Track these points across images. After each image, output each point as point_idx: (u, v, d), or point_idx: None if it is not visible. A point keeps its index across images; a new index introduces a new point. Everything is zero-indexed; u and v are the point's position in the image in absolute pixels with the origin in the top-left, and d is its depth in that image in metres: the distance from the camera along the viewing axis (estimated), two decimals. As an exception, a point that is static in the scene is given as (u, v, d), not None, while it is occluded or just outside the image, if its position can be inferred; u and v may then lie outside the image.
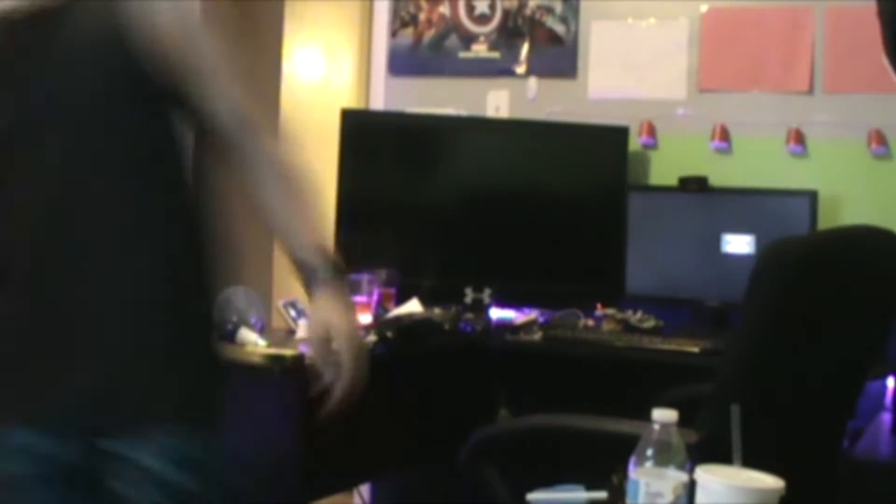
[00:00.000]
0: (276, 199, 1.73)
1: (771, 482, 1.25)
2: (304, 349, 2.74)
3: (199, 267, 1.70)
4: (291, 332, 3.01)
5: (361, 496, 3.55)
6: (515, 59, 3.78)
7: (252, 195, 1.74)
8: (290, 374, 2.54)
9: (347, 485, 3.35)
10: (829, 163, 3.30)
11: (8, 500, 1.59)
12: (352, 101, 5.31)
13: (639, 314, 3.23)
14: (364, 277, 3.10)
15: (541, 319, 3.35)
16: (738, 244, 3.16)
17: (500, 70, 3.81)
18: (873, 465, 2.30)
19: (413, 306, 3.09)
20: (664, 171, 3.50)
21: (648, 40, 3.58)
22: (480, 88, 3.82)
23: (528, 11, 3.77)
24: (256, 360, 2.56)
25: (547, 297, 3.44)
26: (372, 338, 2.83)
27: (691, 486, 1.26)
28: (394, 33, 3.97)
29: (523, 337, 3.24)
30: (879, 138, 3.24)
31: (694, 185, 3.32)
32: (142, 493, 1.56)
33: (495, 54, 3.82)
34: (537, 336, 3.23)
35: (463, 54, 3.87)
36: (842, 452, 2.00)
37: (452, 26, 3.88)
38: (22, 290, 1.58)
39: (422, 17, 3.93)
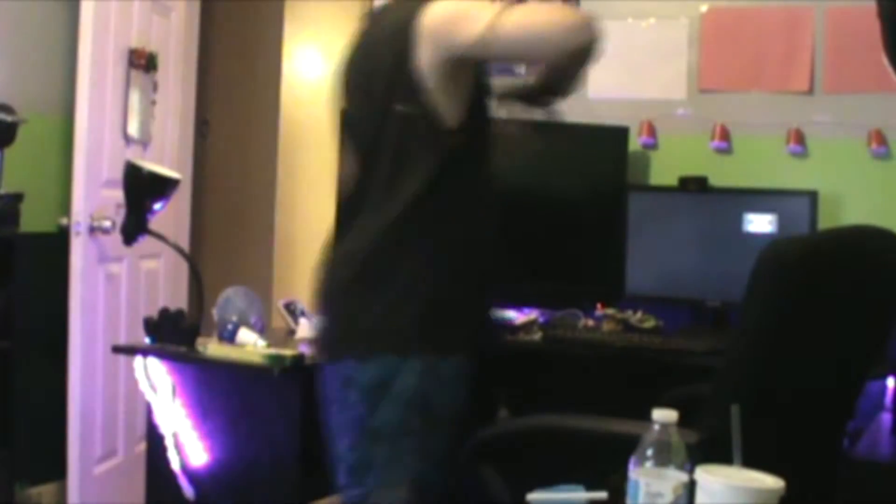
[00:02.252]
0: None
1: (771, 482, 1.25)
2: (303, 349, 2.74)
3: None
4: (291, 331, 3.02)
5: (361, 496, 3.55)
6: (515, 59, 3.78)
7: None
8: (290, 374, 2.54)
9: (347, 485, 3.35)
10: (829, 163, 3.30)
11: None
12: (352, 101, 5.31)
13: (639, 314, 3.23)
14: (364, 277, 3.10)
15: (541, 319, 3.34)
16: (761, 223, 3.15)
17: (499, 70, 3.80)
18: (873, 465, 2.30)
19: (413, 306, 3.09)
20: (664, 171, 3.50)
21: (648, 40, 3.58)
22: (480, 88, 3.82)
23: (528, 11, 3.76)
24: (256, 360, 2.56)
25: (547, 297, 3.43)
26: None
27: (691, 486, 1.26)
28: (394, 33, 3.97)
29: (523, 337, 3.24)
30: (879, 138, 3.24)
31: (694, 185, 3.32)
32: None
33: (495, 54, 3.82)
34: (537, 336, 3.23)
35: (463, 54, 3.86)
36: (842, 452, 2.00)
37: (452, 26, 3.88)
38: None
39: (422, 17, 3.92)
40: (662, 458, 1.27)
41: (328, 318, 2.05)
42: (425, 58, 1.93)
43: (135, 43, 3.64)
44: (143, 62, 3.67)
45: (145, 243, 3.04)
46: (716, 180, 3.33)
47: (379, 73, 2.02)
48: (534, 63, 2.25)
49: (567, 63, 2.10)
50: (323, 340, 2.07)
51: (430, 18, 1.93)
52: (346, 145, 2.24)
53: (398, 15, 2.00)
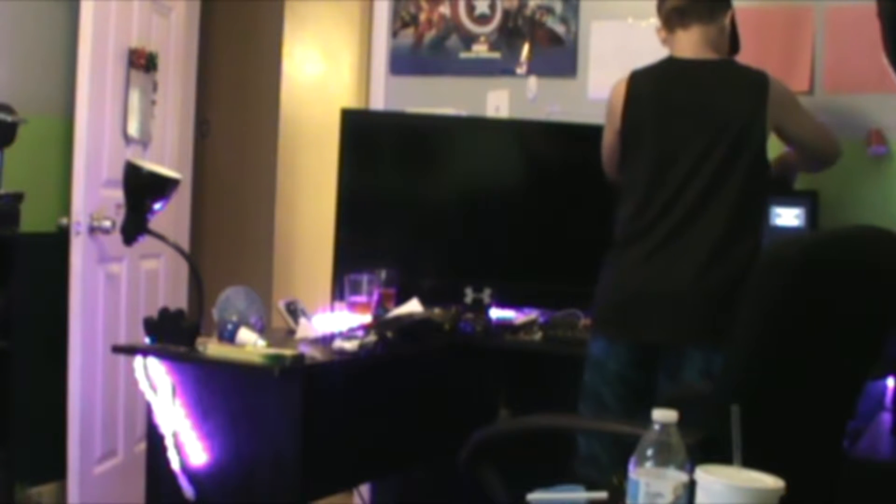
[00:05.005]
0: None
1: (771, 482, 1.25)
2: (303, 349, 2.74)
3: None
4: (291, 332, 3.02)
5: (361, 496, 3.55)
6: (515, 59, 3.78)
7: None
8: (290, 374, 2.54)
9: (347, 485, 3.35)
10: (829, 163, 3.29)
11: None
12: (352, 101, 5.32)
13: (639, 314, 3.22)
14: (364, 277, 3.10)
15: (541, 319, 3.35)
16: (787, 217, 3.14)
17: (500, 70, 3.81)
18: (873, 465, 2.30)
19: (413, 306, 3.09)
20: (664, 171, 3.49)
21: (648, 40, 3.56)
22: (480, 88, 3.82)
23: (528, 11, 3.77)
24: (256, 360, 2.56)
25: (547, 297, 3.43)
26: (372, 338, 2.83)
27: (691, 486, 1.26)
28: (394, 33, 3.97)
29: (523, 337, 3.24)
30: (879, 138, 3.24)
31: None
32: None
33: (495, 54, 3.82)
34: (537, 336, 3.23)
35: (463, 54, 3.87)
36: (842, 452, 2.00)
37: (453, 26, 3.88)
38: None
39: (422, 17, 3.93)
40: (662, 458, 1.27)
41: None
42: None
43: (135, 43, 3.64)
44: (143, 62, 3.66)
45: (145, 243, 3.04)
46: (716, 180, 3.33)
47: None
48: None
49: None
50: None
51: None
52: None
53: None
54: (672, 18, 2.77)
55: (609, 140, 2.87)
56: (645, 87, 2.75)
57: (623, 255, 2.71)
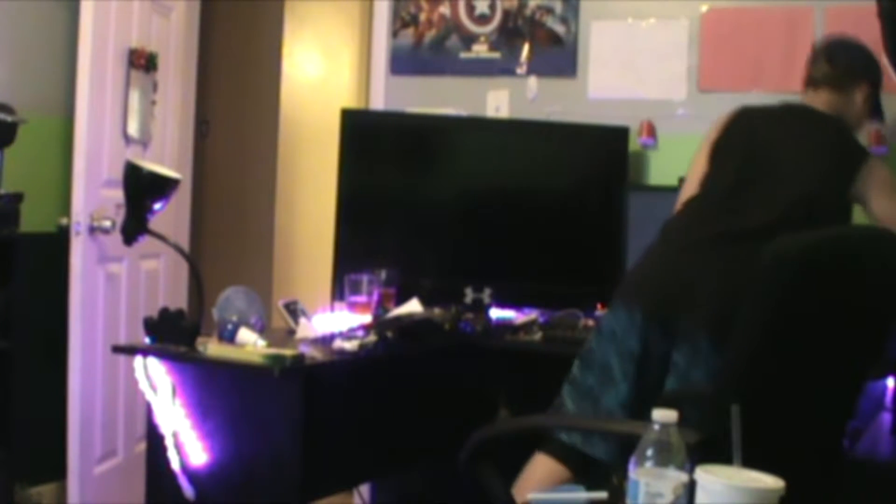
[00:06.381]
0: None
1: (771, 482, 1.25)
2: (303, 349, 2.74)
3: None
4: (291, 331, 3.02)
5: (361, 496, 3.55)
6: (515, 59, 3.79)
7: None
8: (290, 374, 2.54)
9: (347, 485, 3.35)
10: (829, 163, 3.29)
11: None
12: (352, 101, 5.33)
13: (639, 314, 3.22)
14: (364, 277, 3.10)
15: (541, 319, 3.35)
16: None
17: (500, 70, 3.81)
18: (873, 465, 2.30)
19: (413, 306, 3.09)
20: (664, 171, 3.50)
21: (648, 40, 3.58)
22: (480, 88, 3.82)
23: (528, 11, 3.77)
24: (256, 360, 2.56)
25: (547, 297, 3.43)
26: (372, 338, 2.83)
27: (691, 486, 1.26)
28: (394, 33, 3.97)
29: (523, 337, 3.24)
30: (879, 138, 3.24)
31: (694, 185, 3.31)
32: None
33: (495, 54, 3.82)
34: (537, 336, 3.23)
35: (463, 54, 3.87)
36: (842, 452, 2.00)
37: (453, 26, 3.89)
38: None
39: (422, 17, 3.93)
40: (662, 458, 1.27)
41: None
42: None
43: (135, 43, 3.64)
44: (143, 62, 3.66)
45: (145, 243, 3.04)
46: (716, 180, 3.32)
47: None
48: None
49: None
50: None
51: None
52: None
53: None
54: (807, 82, 2.83)
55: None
56: (755, 111, 2.77)
57: (670, 244, 2.65)
